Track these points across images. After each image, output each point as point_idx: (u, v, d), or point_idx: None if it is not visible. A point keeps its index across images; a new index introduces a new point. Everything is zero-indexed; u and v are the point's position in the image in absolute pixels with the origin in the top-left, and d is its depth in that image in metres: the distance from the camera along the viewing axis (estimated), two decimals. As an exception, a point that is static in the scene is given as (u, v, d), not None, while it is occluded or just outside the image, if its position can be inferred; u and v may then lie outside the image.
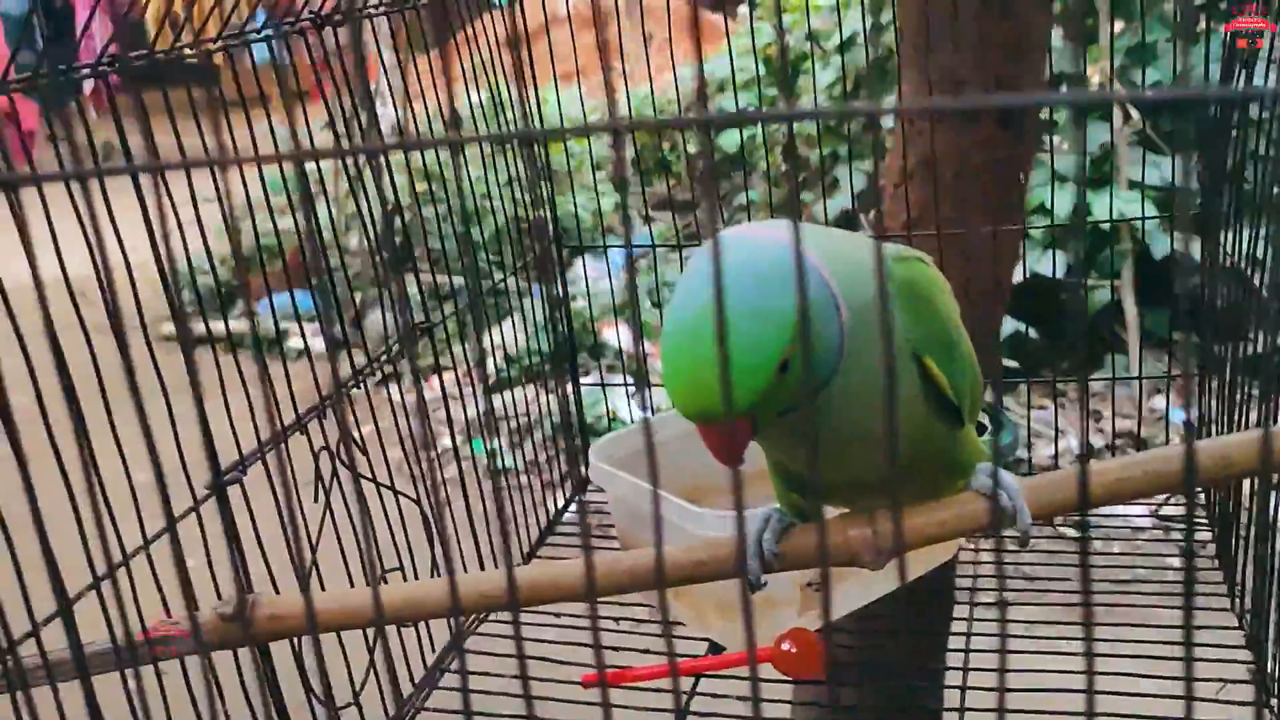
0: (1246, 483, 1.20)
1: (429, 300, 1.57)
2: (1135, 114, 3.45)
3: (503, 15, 1.49)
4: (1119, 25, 3.47)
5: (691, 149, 4.93)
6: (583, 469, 1.66)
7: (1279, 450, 0.75)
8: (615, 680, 1.14)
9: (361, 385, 1.24)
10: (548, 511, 1.56)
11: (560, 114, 3.30)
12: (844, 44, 2.63)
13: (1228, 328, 1.33)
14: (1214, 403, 1.38)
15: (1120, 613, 1.26)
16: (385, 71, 1.48)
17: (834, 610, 1.20)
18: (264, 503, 1.00)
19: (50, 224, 0.84)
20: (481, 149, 1.46)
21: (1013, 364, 3.26)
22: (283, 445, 1.07)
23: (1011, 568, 1.41)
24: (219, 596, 0.89)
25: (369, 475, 1.18)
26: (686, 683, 1.18)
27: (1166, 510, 1.50)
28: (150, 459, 0.68)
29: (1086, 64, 3.52)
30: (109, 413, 0.87)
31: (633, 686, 1.13)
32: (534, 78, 1.57)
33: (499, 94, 1.46)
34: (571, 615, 1.31)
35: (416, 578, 1.22)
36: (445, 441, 3.23)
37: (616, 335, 3.79)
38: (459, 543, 1.34)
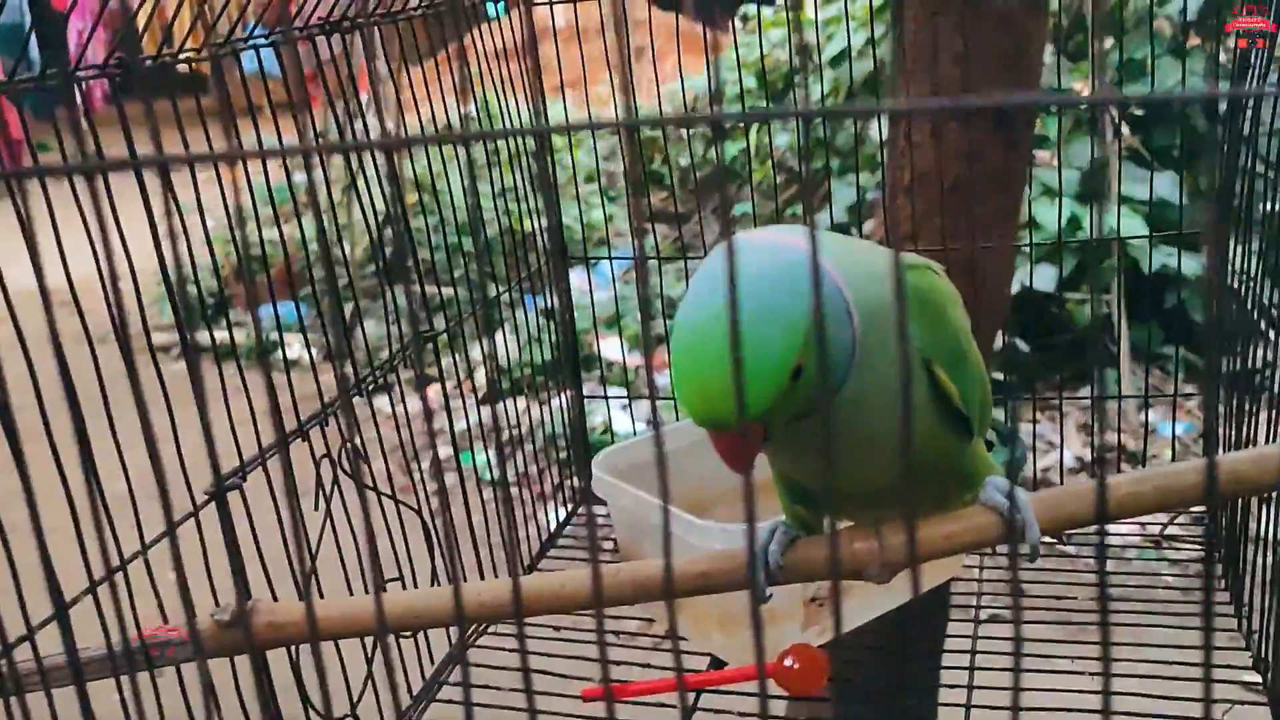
0: (1255, 502, 1.21)
1: (424, 312, 1.56)
2: (1126, 129, 3.46)
3: (500, 26, 1.49)
4: (1107, 42, 3.48)
5: (684, 161, 4.95)
6: (579, 481, 1.65)
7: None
8: (616, 694, 1.13)
9: (364, 393, 1.23)
10: (547, 524, 1.56)
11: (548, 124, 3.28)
12: (845, 52, 2.63)
13: (1230, 344, 1.33)
14: (1222, 420, 1.38)
15: (1121, 633, 1.26)
16: (379, 82, 1.47)
17: (843, 623, 1.19)
18: (264, 511, 0.99)
19: (55, 225, 0.83)
20: (486, 152, 1.46)
21: (998, 376, 3.26)
22: (286, 450, 1.08)
23: (998, 574, 1.41)
24: (217, 604, 0.89)
25: (370, 484, 1.18)
26: (688, 698, 1.18)
27: (1170, 530, 1.50)
28: (151, 462, 0.67)
29: (1074, 79, 3.54)
30: (110, 418, 0.86)
31: (633, 701, 1.12)
32: (541, 87, 1.56)
33: (495, 103, 1.46)
34: (571, 629, 1.30)
35: (417, 588, 1.21)
36: (441, 453, 3.22)
37: (621, 350, 3.79)
38: (459, 555, 1.34)
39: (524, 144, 1.50)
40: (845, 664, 1.27)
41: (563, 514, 1.60)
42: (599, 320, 4.03)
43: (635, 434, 1.67)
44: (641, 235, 0.53)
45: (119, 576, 0.85)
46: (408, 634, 1.22)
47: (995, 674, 1.14)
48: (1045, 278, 3.21)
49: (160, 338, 3.10)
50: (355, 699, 1.13)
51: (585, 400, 1.69)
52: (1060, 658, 1.15)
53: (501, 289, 1.52)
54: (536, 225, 1.55)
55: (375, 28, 1.30)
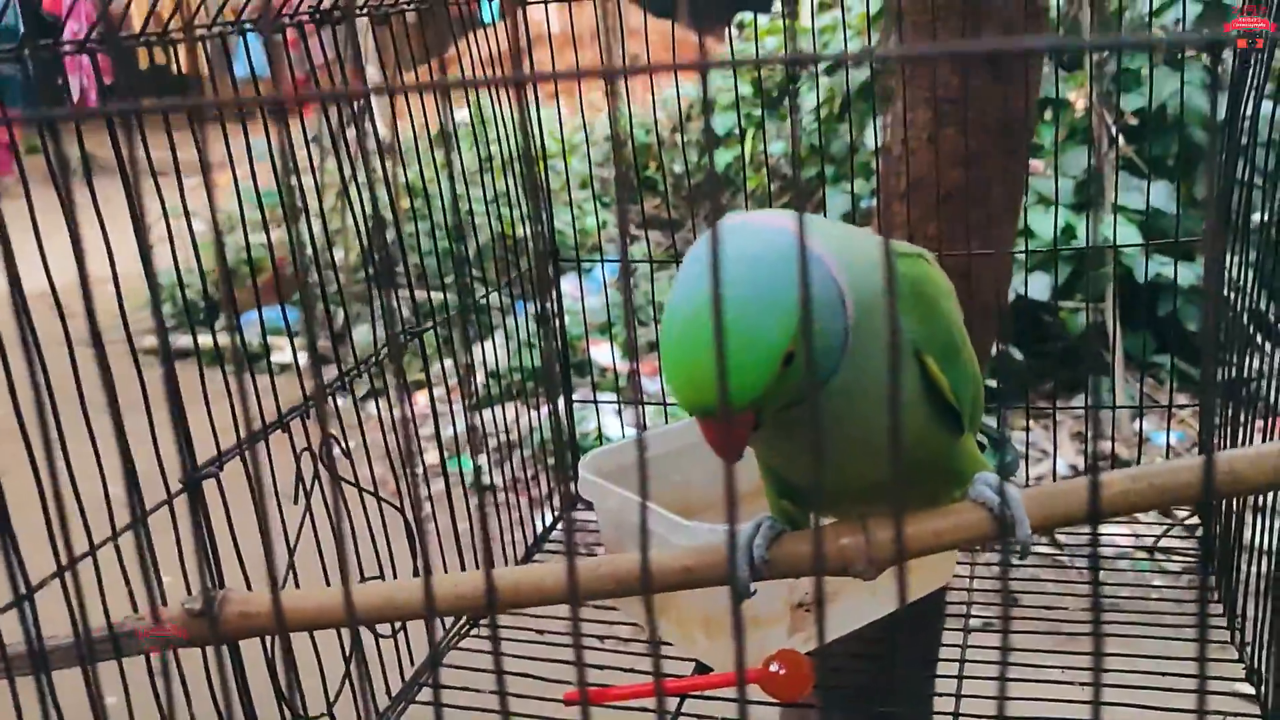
0: (1249, 512, 1.19)
1: (412, 316, 1.54)
2: (1121, 139, 3.46)
3: (496, 31, 1.47)
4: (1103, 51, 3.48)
5: (678, 169, 4.94)
6: (573, 486, 1.63)
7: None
8: (598, 698, 1.11)
9: (347, 386, 1.21)
10: (534, 528, 1.54)
11: (542, 130, 3.29)
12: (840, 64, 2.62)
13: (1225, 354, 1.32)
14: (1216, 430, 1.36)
15: (1114, 643, 1.24)
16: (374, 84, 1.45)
17: (830, 631, 1.17)
18: (242, 505, 0.97)
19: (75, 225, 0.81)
20: (478, 158, 1.44)
21: (990, 383, 3.25)
22: (263, 442, 1.07)
23: (997, 593, 1.39)
24: (190, 595, 0.87)
25: (351, 480, 1.16)
26: (671, 703, 1.16)
27: (1164, 542, 1.49)
28: (119, 451, 0.65)
29: (1070, 87, 3.54)
30: (85, 413, 0.84)
31: (616, 706, 1.10)
32: (534, 93, 1.55)
33: (488, 109, 1.44)
34: (554, 632, 1.28)
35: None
36: (429, 458, 3.20)
37: (613, 356, 3.77)
38: (444, 558, 1.32)
39: (516, 148, 1.49)
40: (836, 671, 1.25)
41: (549, 519, 1.58)
42: (591, 327, 4.03)
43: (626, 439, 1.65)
44: (624, 232, 0.51)
45: (87, 566, 0.84)
46: (386, 635, 1.20)
47: (985, 683, 1.13)
48: (1039, 286, 3.21)
49: (147, 341, 3.08)
50: (333, 698, 1.11)
51: (576, 406, 1.68)
52: (1051, 667, 1.14)
53: (490, 289, 1.51)
54: (528, 232, 1.54)
55: (367, 19, 1.28)
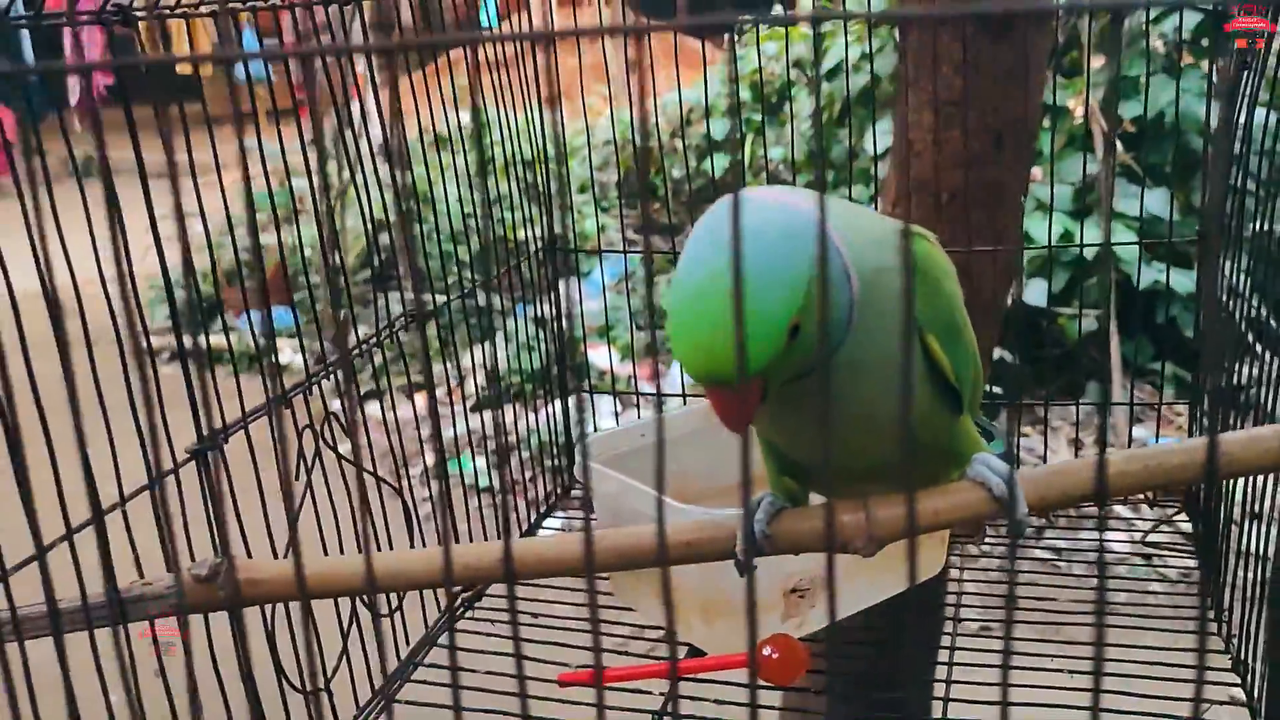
0: (1237, 512, 1.20)
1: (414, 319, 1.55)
2: (1119, 145, 3.48)
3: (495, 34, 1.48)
4: (1100, 60, 3.50)
5: (677, 174, 4.95)
6: (564, 478, 1.65)
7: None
8: (591, 680, 1.12)
9: (366, 354, 1.22)
10: (530, 522, 1.54)
11: (542, 133, 3.31)
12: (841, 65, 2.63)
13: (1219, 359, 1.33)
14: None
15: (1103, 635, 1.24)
16: (374, 89, 1.46)
17: (820, 619, 1.18)
18: (245, 480, 0.98)
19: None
20: (481, 159, 1.45)
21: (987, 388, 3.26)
22: (268, 417, 1.08)
23: (989, 588, 1.40)
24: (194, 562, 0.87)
25: (350, 458, 1.17)
26: (664, 685, 1.17)
27: (1154, 539, 1.50)
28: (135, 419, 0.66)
29: (1068, 95, 3.55)
30: (97, 384, 0.85)
31: (610, 687, 1.11)
32: (537, 97, 1.56)
33: (493, 112, 1.45)
34: (548, 615, 1.29)
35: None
36: (431, 459, 3.20)
37: (609, 359, 3.78)
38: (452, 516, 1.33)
39: (520, 151, 1.50)
40: (837, 656, 1.26)
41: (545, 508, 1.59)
42: (589, 330, 4.04)
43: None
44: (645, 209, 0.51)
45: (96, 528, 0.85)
46: (384, 613, 1.21)
47: (975, 684, 1.13)
48: (1036, 292, 3.22)
49: (154, 340, 3.08)
50: (330, 673, 1.12)
51: (579, 403, 1.68)
52: (1044, 657, 1.14)
53: (492, 280, 1.51)
54: (530, 234, 1.55)
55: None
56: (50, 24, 0.95)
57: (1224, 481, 1.22)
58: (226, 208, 1.12)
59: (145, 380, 0.53)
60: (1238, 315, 1.25)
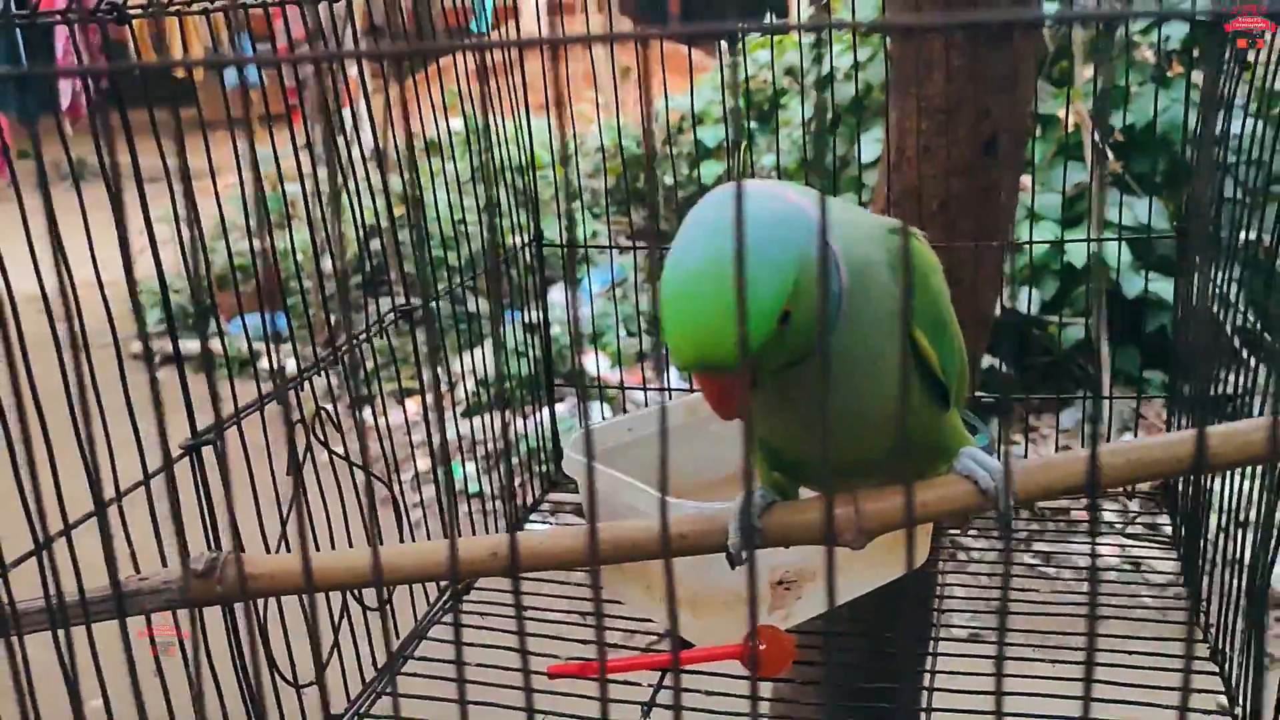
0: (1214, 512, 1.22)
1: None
2: (1110, 155, 3.50)
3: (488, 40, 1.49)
4: (1089, 70, 3.53)
5: (668, 181, 4.96)
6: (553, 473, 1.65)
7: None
8: (581, 672, 1.13)
9: (340, 361, 1.23)
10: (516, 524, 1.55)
11: (531, 141, 3.33)
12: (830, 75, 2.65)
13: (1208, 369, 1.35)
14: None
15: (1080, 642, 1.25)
16: (365, 94, 1.46)
17: (806, 610, 1.19)
18: (238, 475, 0.99)
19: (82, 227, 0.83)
20: (471, 167, 1.46)
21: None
22: (260, 414, 1.09)
23: (977, 593, 1.41)
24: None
25: (341, 454, 1.17)
26: (652, 676, 1.18)
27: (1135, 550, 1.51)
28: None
29: (1058, 104, 3.57)
30: (93, 379, 0.86)
31: (599, 678, 1.12)
32: (526, 105, 1.58)
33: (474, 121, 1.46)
34: (536, 609, 1.30)
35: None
36: (421, 465, 3.21)
37: (597, 364, 3.79)
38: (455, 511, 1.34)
39: (510, 158, 1.51)
40: (826, 650, 1.27)
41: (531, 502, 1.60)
42: (582, 336, 4.04)
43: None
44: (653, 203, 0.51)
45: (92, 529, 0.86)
46: (373, 607, 1.22)
47: (962, 696, 1.14)
48: (1025, 300, 3.23)
49: (135, 345, 3.09)
50: (323, 664, 1.12)
51: (559, 410, 1.69)
52: (1032, 661, 1.15)
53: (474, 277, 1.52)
54: (519, 240, 1.56)
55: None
56: (45, 24, 0.95)
57: (1202, 478, 1.24)
58: (221, 212, 1.13)
59: (152, 367, 0.54)
60: (1227, 325, 1.27)
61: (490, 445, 1.50)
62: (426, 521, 1.49)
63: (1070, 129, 3.54)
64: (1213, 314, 1.29)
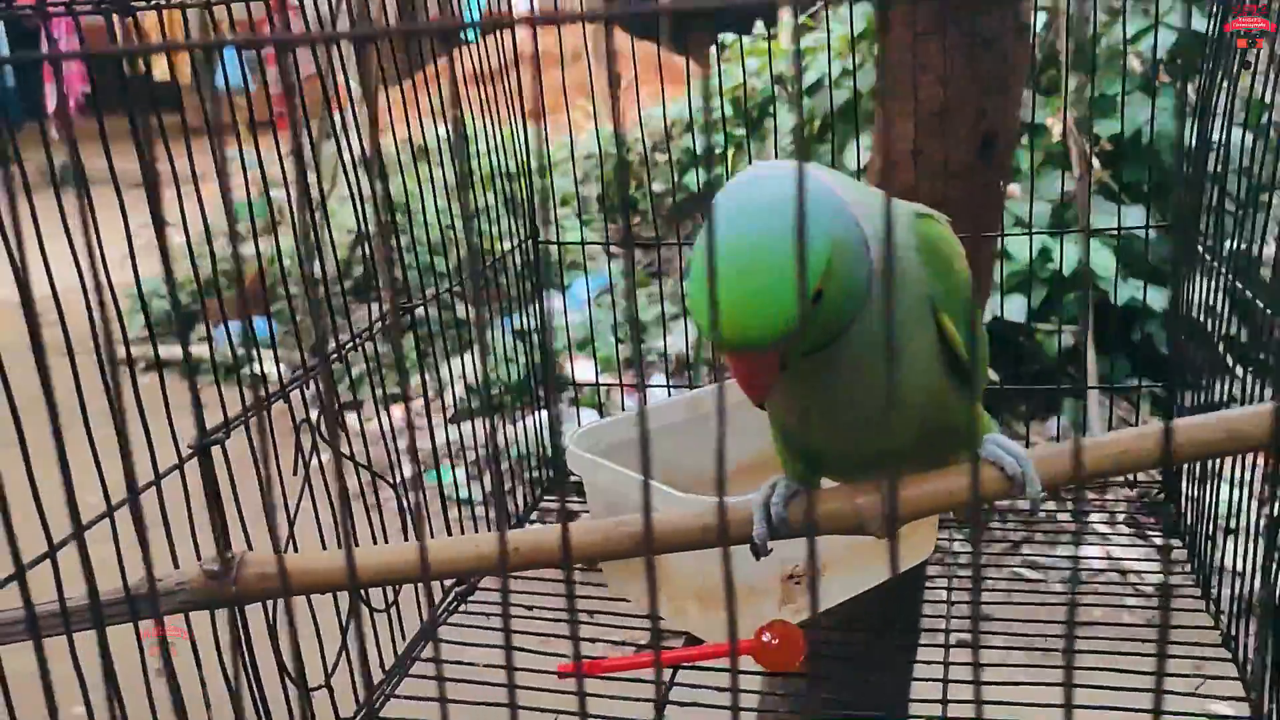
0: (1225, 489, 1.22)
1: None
2: (1096, 163, 3.51)
3: (477, 48, 1.48)
4: (1077, 79, 3.55)
5: (658, 188, 4.97)
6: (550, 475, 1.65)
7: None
8: (592, 670, 1.12)
9: (343, 359, 1.23)
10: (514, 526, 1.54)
11: (528, 148, 3.33)
12: (823, 80, 2.66)
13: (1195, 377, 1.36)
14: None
15: (1088, 658, 1.25)
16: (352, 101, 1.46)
17: (820, 603, 1.19)
18: (245, 476, 0.98)
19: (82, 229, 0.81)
20: (459, 172, 1.45)
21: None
22: (259, 416, 1.07)
23: (969, 607, 1.40)
24: (199, 558, 0.87)
25: (348, 454, 1.17)
26: (664, 674, 1.17)
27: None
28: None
29: (1048, 113, 3.59)
30: (106, 379, 0.85)
31: (609, 677, 1.11)
32: (522, 111, 1.57)
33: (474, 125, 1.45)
34: (544, 608, 1.29)
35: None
36: (409, 471, 3.19)
37: (595, 371, 3.78)
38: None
39: (503, 164, 1.51)
40: (819, 641, 1.27)
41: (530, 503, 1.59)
42: (571, 341, 4.03)
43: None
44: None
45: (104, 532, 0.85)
46: (380, 609, 1.21)
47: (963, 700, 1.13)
48: (1015, 307, 3.24)
49: (132, 350, 3.06)
50: (330, 669, 1.12)
51: (558, 415, 1.69)
52: (1033, 683, 1.15)
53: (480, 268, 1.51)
54: (511, 245, 1.56)
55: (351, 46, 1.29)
56: (49, 15, 0.95)
57: (1206, 463, 1.25)
58: (204, 218, 1.12)
59: (163, 364, 0.53)
60: (1215, 334, 1.27)
61: (479, 451, 1.48)
62: (429, 524, 1.48)
63: (1056, 138, 3.56)
64: (1200, 324, 1.30)
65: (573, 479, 1.71)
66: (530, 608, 1.28)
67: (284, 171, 1.15)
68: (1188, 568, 1.34)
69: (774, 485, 0.82)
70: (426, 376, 1.44)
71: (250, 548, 0.99)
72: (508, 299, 1.55)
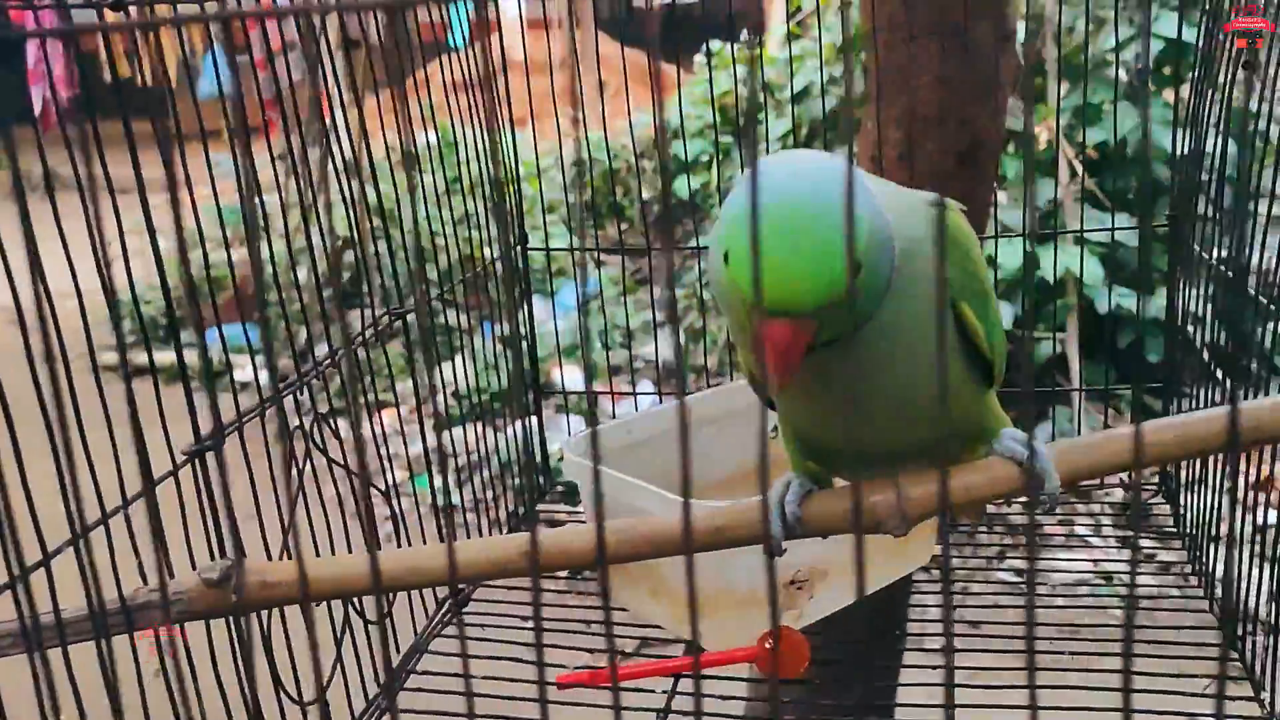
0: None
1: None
2: (1080, 169, 3.52)
3: (464, 55, 1.47)
4: (1065, 86, 3.55)
5: (646, 194, 4.96)
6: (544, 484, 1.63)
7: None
8: (592, 681, 1.10)
9: (336, 364, 1.21)
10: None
11: (516, 155, 3.32)
12: (808, 89, 2.65)
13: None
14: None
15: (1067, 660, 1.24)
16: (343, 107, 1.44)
17: (819, 610, 1.17)
18: (239, 482, 0.96)
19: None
20: (446, 179, 1.43)
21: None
22: (259, 417, 1.06)
23: (956, 614, 1.39)
24: (193, 566, 0.85)
25: (340, 462, 1.15)
26: (666, 683, 1.15)
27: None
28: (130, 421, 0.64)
29: (1034, 121, 3.60)
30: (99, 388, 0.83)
31: (610, 687, 1.09)
32: (508, 118, 1.56)
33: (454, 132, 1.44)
34: (547, 619, 1.27)
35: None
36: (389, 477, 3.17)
37: (587, 378, 3.76)
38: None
39: (485, 171, 1.49)
40: (816, 648, 1.26)
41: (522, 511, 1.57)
42: (556, 349, 4.02)
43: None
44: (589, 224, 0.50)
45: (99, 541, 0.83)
46: (374, 620, 1.19)
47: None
48: (1003, 315, 3.25)
49: (108, 357, 3.02)
50: (325, 682, 1.09)
51: (544, 424, 1.68)
52: (1010, 671, 1.13)
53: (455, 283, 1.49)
54: (493, 253, 1.54)
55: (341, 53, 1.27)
56: (17, 36, 0.92)
57: (1206, 464, 1.24)
58: (199, 222, 1.10)
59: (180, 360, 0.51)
60: (1198, 341, 1.27)
61: (468, 457, 1.46)
62: (422, 529, 1.45)
63: (1044, 146, 3.56)
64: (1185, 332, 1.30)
65: (558, 488, 1.71)
66: (524, 619, 1.26)
67: (276, 175, 1.13)
68: (1188, 569, 1.34)
69: (788, 484, 0.81)
70: (416, 380, 1.43)
71: (244, 554, 0.97)
72: (494, 305, 1.53)
